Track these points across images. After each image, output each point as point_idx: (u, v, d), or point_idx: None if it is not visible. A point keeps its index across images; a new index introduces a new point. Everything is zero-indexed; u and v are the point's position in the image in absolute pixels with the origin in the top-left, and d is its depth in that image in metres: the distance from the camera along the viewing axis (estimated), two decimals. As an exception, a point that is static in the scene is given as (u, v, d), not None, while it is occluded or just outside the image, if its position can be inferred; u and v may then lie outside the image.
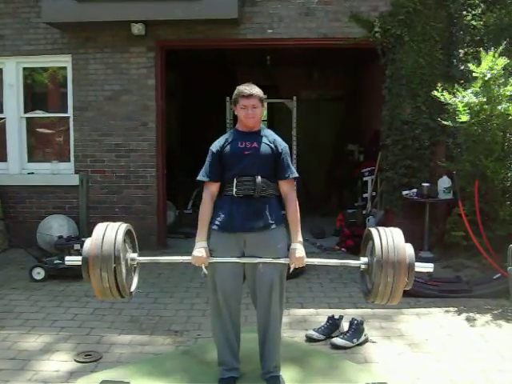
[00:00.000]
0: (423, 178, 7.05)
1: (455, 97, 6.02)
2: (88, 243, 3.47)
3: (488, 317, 4.93)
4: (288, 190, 3.51)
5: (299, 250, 3.43)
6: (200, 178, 3.54)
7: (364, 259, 3.56)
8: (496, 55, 5.83)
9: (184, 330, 4.62)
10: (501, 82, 5.88)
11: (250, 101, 3.46)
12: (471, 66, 5.94)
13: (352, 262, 3.70)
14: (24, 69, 7.72)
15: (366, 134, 9.96)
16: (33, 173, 7.67)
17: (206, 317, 4.79)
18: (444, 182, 6.82)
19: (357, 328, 4.28)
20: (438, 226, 7.01)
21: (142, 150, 7.45)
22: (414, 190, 6.96)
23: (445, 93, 6.09)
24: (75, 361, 4.02)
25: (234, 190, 3.43)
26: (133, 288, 3.65)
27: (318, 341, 4.36)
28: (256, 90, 3.50)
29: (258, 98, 3.48)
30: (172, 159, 8.29)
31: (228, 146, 3.50)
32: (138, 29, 7.08)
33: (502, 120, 5.97)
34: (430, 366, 3.94)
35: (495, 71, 5.79)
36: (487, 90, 5.86)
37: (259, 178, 3.42)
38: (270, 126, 13.88)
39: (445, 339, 4.44)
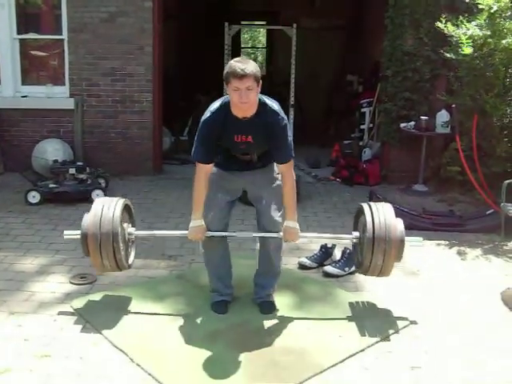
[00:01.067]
0: (422, 111, 6.99)
1: (459, 29, 5.89)
2: (86, 219, 3.54)
3: (479, 251, 4.99)
4: (284, 169, 3.40)
5: (294, 228, 3.46)
6: (195, 158, 3.38)
7: (356, 233, 3.73)
8: (504, -14, 5.66)
9: (178, 255, 4.68)
10: (507, 15, 5.73)
11: (243, 82, 3.06)
12: (477, -2, 5.78)
13: (344, 236, 3.92)
14: (16, -13, 7.46)
15: (366, 64, 9.79)
16: (27, 96, 7.54)
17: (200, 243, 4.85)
18: (442, 116, 6.76)
19: (349, 257, 4.34)
20: (433, 160, 7.00)
21: (138, 75, 7.31)
22: (412, 123, 6.91)
23: (448, 24, 5.95)
24: (71, 283, 4.07)
25: (232, 153, 3.44)
26: (130, 261, 3.77)
27: (311, 268, 4.43)
28: (251, 68, 3.09)
29: (252, 78, 3.08)
30: (169, 83, 8.16)
31: (223, 136, 3.29)
32: None
33: (505, 54, 5.85)
34: (420, 295, 4.02)
35: (502, 4, 5.64)
36: (492, 23, 5.72)
37: (255, 154, 3.42)
38: (268, 55, 13.66)
39: (435, 270, 4.52)
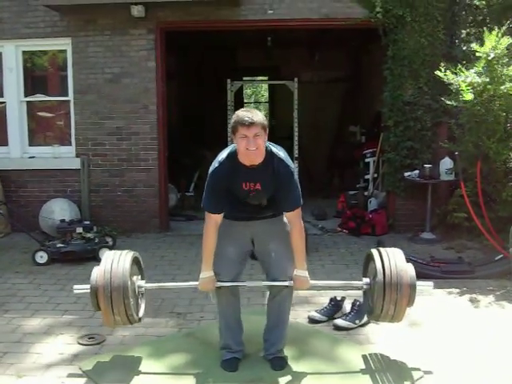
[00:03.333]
0: (425, 159, 7.04)
1: (458, 76, 5.98)
2: (96, 273, 3.54)
3: (490, 298, 4.93)
4: (292, 217, 3.40)
5: (304, 276, 3.44)
6: (205, 208, 3.40)
7: (366, 280, 3.66)
8: (500, 35, 5.77)
9: (187, 313, 4.63)
10: (504, 61, 5.83)
11: (251, 130, 3.11)
12: (475, 47, 5.89)
13: (354, 283, 3.83)
14: (23, 52, 7.66)
15: (367, 115, 9.92)
16: (34, 157, 7.65)
17: (209, 299, 4.80)
18: (446, 163, 6.80)
19: (359, 309, 4.29)
20: (440, 208, 7.00)
21: (143, 133, 7.43)
22: (416, 172, 6.95)
23: (448, 72, 6.05)
24: (79, 343, 4.03)
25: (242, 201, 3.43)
26: (141, 313, 3.75)
27: (321, 322, 4.37)
28: (258, 117, 3.17)
29: (260, 126, 3.15)
30: (173, 142, 8.27)
31: (231, 186, 3.32)
32: (137, 11, 7.02)
33: (504, 100, 5.93)
34: (432, 347, 3.95)
35: (499, 51, 5.74)
36: (490, 69, 5.82)
37: (265, 200, 3.41)
38: (271, 108, 13.86)
39: (447, 320, 4.45)
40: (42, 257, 6.04)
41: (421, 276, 5.14)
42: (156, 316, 4.54)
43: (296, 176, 3.42)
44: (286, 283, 3.48)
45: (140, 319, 3.75)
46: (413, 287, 3.42)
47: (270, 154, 3.30)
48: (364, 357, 3.73)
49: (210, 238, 3.40)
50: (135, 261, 3.74)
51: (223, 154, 3.35)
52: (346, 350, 3.86)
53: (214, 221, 3.39)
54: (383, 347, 3.92)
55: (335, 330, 4.24)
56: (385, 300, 3.39)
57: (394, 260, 3.46)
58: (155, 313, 4.60)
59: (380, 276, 3.39)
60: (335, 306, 4.47)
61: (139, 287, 3.72)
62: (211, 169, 3.34)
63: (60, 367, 3.66)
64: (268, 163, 3.27)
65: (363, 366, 3.60)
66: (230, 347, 3.63)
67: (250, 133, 3.12)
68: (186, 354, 3.80)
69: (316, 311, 4.46)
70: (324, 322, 4.38)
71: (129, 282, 3.48)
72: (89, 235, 6.38)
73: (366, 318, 4.30)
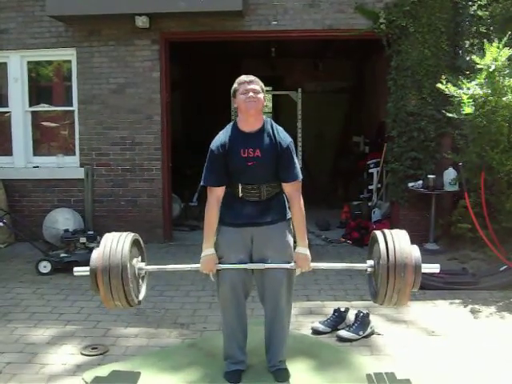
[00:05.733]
0: (429, 169, 7.04)
1: (460, 89, 5.98)
2: (95, 254, 3.50)
3: (493, 309, 4.91)
4: (291, 191, 3.41)
5: (305, 253, 3.42)
6: (205, 183, 3.45)
7: (370, 262, 3.57)
8: (501, 46, 5.78)
9: (190, 323, 4.63)
10: (505, 73, 5.84)
11: (250, 86, 3.37)
12: (475, 59, 5.89)
13: (358, 265, 3.70)
14: (28, 62, 7.71)
15: (371, 125, 9.93)
16: (38, 166, 7.68)
17: (212, 309, 4.81)
18: (450, 174, 6.80)
19: (363, 320, 4.28)
20: (443, 218, 6.99)
21: (147, 143, 7.45)
22: (420, 182, 6.94)
23: (449, 85, 6.05)
24: (82, 354, 4.02)
25: (240, 193, 3.42)
26: (141, 296, 3.69)
27: (324, 333, 4.35)
28: (257, 78, 3.43)
29: (259, 86, 3.39)
30: (177, 152, 8.28)
31: (230, 153, 3.36)
32: (142, 21, 7.07)
33: (507, 111, 5.93)
34: (436, 358, 3.94)
35: (500, 62, 5.74)
36: (492, 81, 5.82)
37: (264, 186, 3.39)
38: (274, 119, 13.90)
39: (451, 331, 4.43)
40: (45, 267, 6.05)
41: (425, 287, 5.18)
42: (159, 326, 4.54)
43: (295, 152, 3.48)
44: (288, 266, 3.43)
45: (140, 302, 3.66)
46: (418, 268, 3.30)
47: (269, 122, 3.45)
48: (367, 368, 3.71)
49: (212, 215, 3.41)
50: (135, 242, 3.66)
51: (224, 129, 3.48)
52: (349, 362, 3.84)
53: (215, 196, 3.41)
54: (387, 359, 3.90)
55: (339, 341, 4.22)
56: (388, 281, 3.28)
57: (398, 241, 3.35)
58: (158, 323, 4.60)
59: (384, 258, 3.29)
60: (339, 316, 4.45)
61: (139, 269, 3.65)
62: (212, 143, 3.43)
63: (63, 378, 3.65)
64: (268, 131, 3.40)
65: (366, 379, 3.58)
66: (233, 357, 3.60)
67: (251, 88, 3.35)
68: (189, 364, 3.79)
69: (319, 322, 4.44)
70: (327, 333, 4.36)
71: (128, 265, 3.40)
72: (92, 245, 6.36)
73: (369, 329, 4.29)
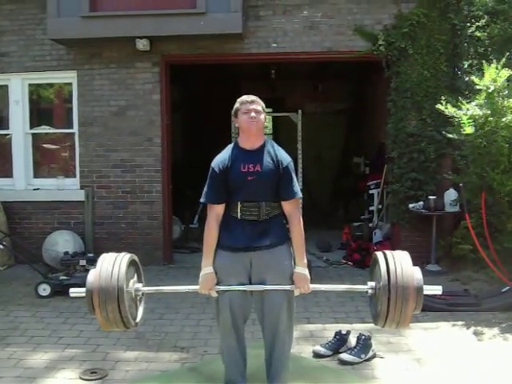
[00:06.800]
0: (429, 190, 7.03)
1: (459, 109, 6.00)
2: (91, 275, 3.46)
3: (497, 331, 4.87)
4: (291, 209, 3.40)
5: (303, 273, 3.38)
6: (205, 200, 3.44)
7: (371, 284, 3.51)
8: (499, 67, 5.81)
9: (190, 347, 4.58)
10: (505, 93, 5.86)
11: (252, 105, 3.40)
12: (474, 80, 5.92)
13: (359, 287, 3.66)
14: (29, 85, 7.75)
15: (371, 146, 9.94)
16: (38, 188, 7.68)
17: (213, 333, 4.76)
18: (450, 195, 6.79)
19: (364, 343, 4.24)
20: (445, 239, 6.96)
21: (148, 165, 7.45)
22: (421, 203, 6.93)
23: (449, 106, 6.07)
24: (81, 378, 3.98)
25: (239, 213, 3.39)
26: (138, 318, 3.64)
27: (326, 356, 4.31)
28: (258, 99, 3.47)
29: (260, 106, 3.44)
30: (177, 174, 8.28)
31: (230, 169, 3.37)
32: (142, 44, 7.12)
33: (507, 132, 5.94)
34: (439, 381, 3.89)
35: (499, 83, 5.77)
36: (491, 102, 5.84)
37: (264, 204, 3.38)
38: (274, 140, 13.94)
39: (453, 354, 4.38)
40: (45, 289, 6.01)
41: (427, 309, 5.14)
42: (159, 350, 4.50)
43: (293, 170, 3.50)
44: (288, 287, 3.39)
45: (137, 324, 3.60)
46: (419, 290, 3.23)
47: (270, 142, 3.51)
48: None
49: (212, 233, 3.41)
50: (132, 263, 3.60)
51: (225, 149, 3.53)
52: (351, 386, 3.80)
53: (215, 214, 3.40)
54: (389, 382, 3.86)
55: (340, 364, 4.18)
56: (390, 303, 3.21)
57: (399, 263, 3.29)
58: (158, 347, 4.56)
59: (385, 279, 3.23)
60: (340, 339, 4.41)
61: (136, 290, 3.59)
62: (213, 161, 3.47)
63: (61, 403, 3.62)
64: (268, 149, 3.43)
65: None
66: (234, 382, 3.56)
67: (252, 107, 3.39)
68: (189, 389, 3.75)
69: (321, 345, 4.40)
70: (329, 356, 4.32)
71: (124, 287, 3.35)
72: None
73: (371, 353, 4.25)
